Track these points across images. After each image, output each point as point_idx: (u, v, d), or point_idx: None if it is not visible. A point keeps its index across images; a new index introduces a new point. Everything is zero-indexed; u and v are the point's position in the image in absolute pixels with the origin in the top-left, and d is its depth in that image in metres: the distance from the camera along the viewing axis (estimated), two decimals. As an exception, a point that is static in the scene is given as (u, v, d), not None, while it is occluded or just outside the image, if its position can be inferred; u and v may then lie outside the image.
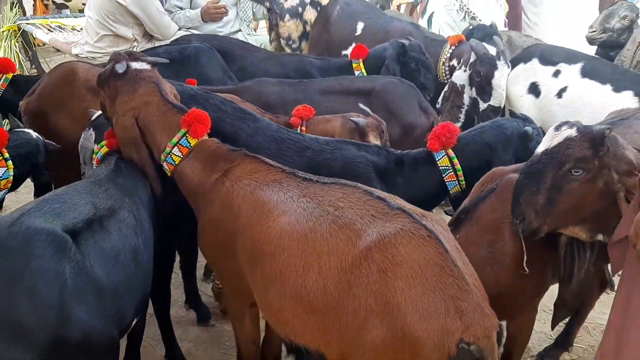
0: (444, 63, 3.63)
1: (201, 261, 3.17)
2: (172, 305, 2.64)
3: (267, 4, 4.62)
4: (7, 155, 2.20)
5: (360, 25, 4.11)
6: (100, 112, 2.36)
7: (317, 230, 1.62)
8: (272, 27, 4.68)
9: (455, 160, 2.32)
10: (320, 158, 2.23)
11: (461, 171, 2.32)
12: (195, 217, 2.08)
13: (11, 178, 2.21)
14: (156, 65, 2.21)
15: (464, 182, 2.33)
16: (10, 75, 3.16)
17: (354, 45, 3.64)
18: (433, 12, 4.69)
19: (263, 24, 6.23)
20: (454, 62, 3.59)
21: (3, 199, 2.34)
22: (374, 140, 2.55)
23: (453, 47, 3.61)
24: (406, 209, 1.57)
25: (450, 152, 2.33)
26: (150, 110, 2.10)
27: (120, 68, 2.09)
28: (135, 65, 2.13)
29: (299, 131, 2.50)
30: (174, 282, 2.71)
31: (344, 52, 4.06)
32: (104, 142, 2.22)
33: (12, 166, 2.19)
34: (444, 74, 3.64)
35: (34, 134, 2.36)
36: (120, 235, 1.77)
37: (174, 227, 2.40)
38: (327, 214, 1.64)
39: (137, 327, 2.19)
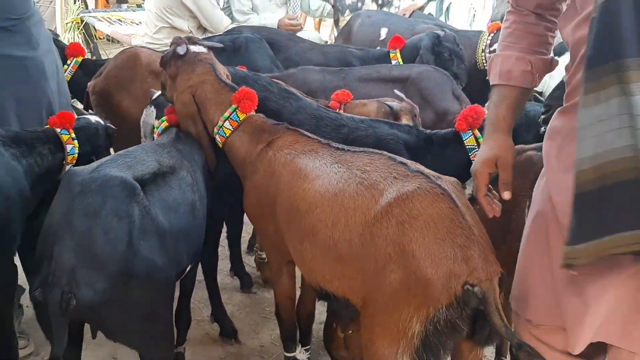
0: (483, 50, 3.62)
1: (245, 236, 3.42)
2: (218, 273, 2.86)
3: (332, 0, 4.82)
4: (73, 135, 2.47)
5: (384, 31, 4.11)
6: (159, 92, 2.60)
7: (346, 190, 1.81)
8: (336, 23, 4.89)
9: (481, 140, 2.44)
10: (355, 135, 2.40)
11: (486, 151, 2.46)
12: (240, 190, 2.29)
13: (76, 155, 2.47)
14: (212, 49, 2.45)
15: (488, 161, 2.47)
16: (80, 59, 3.42)
17: (378, 49, 3.70)
18: (450, 3, 4.76)
19: (310, 21, 6.47)
20: (496, 47, 3.63)
21: None
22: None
23: (492, 35, 3.60)
24: (424, 172, 1.75)
25: (477, 132, 2.44)
26: (206, 88, 2.33)
27: (181, 50, 2.34)
28: (194, 48, 2.37)
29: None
30: (220, 254, 2.92)
31: None
32: (164, 118, 2.46)
33: (77, 145, 2.46)
34: (483, 61, 3.59)
35: (94, 119, 2.59)
36: (180, 191, 2.01)
37: (224, 197, 2.61)
38: (355, 176, 1.83)
39: (188, 284, 2.44)
